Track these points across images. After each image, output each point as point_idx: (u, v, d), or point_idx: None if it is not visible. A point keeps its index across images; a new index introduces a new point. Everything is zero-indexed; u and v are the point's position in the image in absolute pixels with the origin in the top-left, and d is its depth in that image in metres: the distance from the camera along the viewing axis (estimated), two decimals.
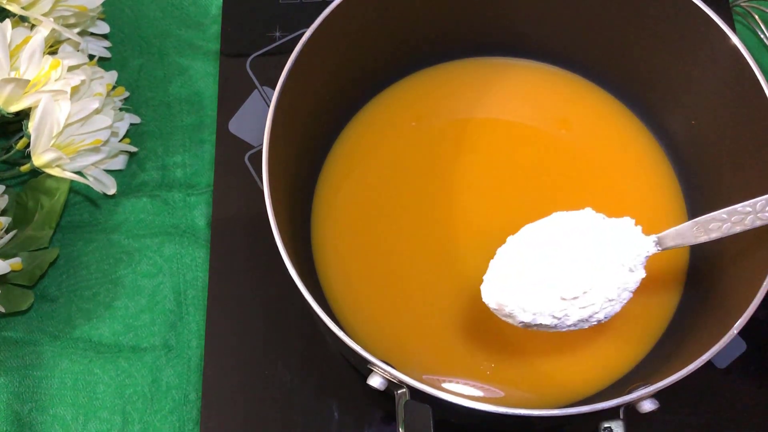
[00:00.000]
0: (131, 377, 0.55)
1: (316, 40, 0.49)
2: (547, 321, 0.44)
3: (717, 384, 0.54)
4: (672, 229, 0.45)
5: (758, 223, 0.42)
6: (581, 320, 0.44)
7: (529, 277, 0.44)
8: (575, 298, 0.43)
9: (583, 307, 0.44)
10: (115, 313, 0.57)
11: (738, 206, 0.43)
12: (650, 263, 0.54)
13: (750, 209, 0.42)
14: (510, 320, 0.45)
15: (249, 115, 0.62)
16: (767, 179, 0.47)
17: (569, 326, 0.45)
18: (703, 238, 0.44)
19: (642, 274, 0.45)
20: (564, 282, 0.43)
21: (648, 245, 0.44)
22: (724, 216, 0.43)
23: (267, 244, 0.44)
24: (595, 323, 0.45)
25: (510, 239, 0.46)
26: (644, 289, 0.54)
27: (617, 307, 0.44)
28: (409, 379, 0.41)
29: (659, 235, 0.45)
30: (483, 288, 0.45)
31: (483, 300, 0.45)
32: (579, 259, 0.43)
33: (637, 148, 0.59)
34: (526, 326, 0.45)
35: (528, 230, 0.46)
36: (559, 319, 0.44)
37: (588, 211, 0.45)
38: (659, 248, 0.45)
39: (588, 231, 0.44)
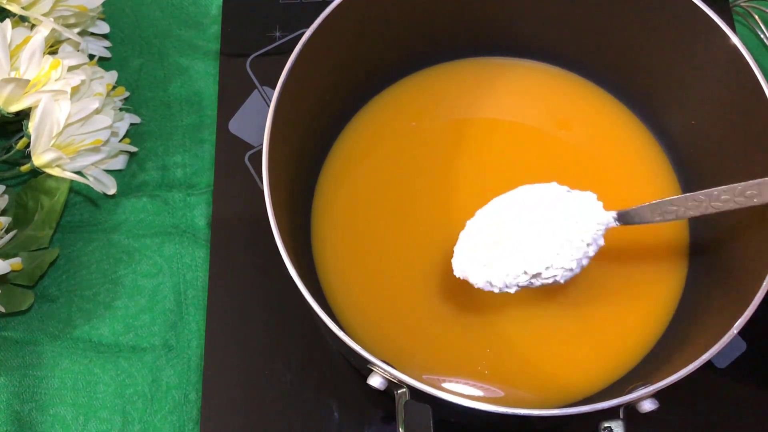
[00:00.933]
0: (131, 377, 0.55)
1: (316, 40, 0.49)
2: (512, 290, 0.47)
3: (717, 384, 0.54)
4: (630, 208, 0.47)
5: (711, 210, 0.45)
6: (543, 284, 0.46)
7: (495, 250, 0.46)
8: (538, 273, 0.45)
9: (546, 278, 0.46)
10: (115, 313, 0.57)
11: (695, 194, 0.45)
12: (650, 264, 0.54)
13: (704, 198, 0.45)
14: (479, 287, 0.47)
15: (249, 115, 0.62)
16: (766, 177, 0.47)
17: (534, 286, 0.47)
18: (658, 219, 0.46)
19: (601, 243, 0.47)
20: (528, 257, 0.45)
21: (607, 218, 0.46)
22: (682, 200, 0.45)
23: (267, 244, 0.44)
24: (554, 283, 0.47)
25: (479, 212, 0.48)
26: (644, 289, 0.54)
27: (577, 271, 0.46)
28: (409, 379, 0.41)
29: (618, 211, 0.47)
30: (453, 261, 0.47)
31: (454, 273, 0.47)
32: (542, 232, 0.46)
33: (637, 148, 0.59)
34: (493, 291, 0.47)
35: (495, 203, 0.48)
36: (522, 286, 0.46)
37: (553, 185, 0.48)
38: (618, 223, 0.47)
39: (552, 204, 0.47)
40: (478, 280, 0.47)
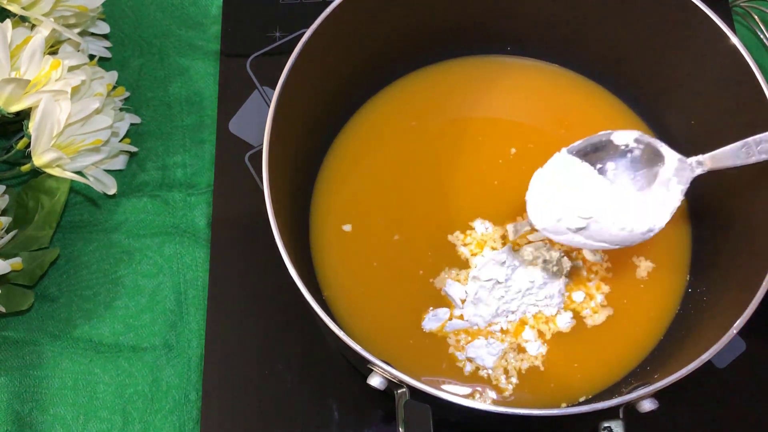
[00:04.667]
0: (131, 377, 0.55)
1: (316, 40, 0.49)
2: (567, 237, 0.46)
3: (717, 384, 0.54)
4: (717, 150, 0.46)
5: None
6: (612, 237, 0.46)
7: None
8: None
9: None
10: (116, 312, 0.57)
11: None
12: (652, 265, 0.54)
13: None
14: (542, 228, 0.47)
15: (249, 115, 0.62)
16: (766, 177, 0.47)
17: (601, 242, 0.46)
18: (753, 159, 0.45)
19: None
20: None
21: (690, 172, 0.46)
22: None
23: (267, 244, 0.44)
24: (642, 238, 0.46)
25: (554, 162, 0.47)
26: (646, 289, 0.54)
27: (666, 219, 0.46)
28: (409, 378, 0.41)
29: (701, 156, 0.46)
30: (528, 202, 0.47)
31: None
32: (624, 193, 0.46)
33: None
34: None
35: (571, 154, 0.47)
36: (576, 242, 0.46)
37: (633, 135, 0.46)
38: (703, 169, 0.46)
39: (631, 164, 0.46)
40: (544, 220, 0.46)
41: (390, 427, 0.53)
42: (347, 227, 0.55)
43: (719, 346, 0.42)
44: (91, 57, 0.60)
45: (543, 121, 0.59)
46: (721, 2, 0.65)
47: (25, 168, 0.54)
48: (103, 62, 0.64)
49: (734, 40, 0.48)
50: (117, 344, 0.56)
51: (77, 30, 0.59)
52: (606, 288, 0.53)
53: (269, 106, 0.47)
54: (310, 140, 0.56)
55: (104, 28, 0.62)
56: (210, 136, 0.63)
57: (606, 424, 0.42)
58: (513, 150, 0.58)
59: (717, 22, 0.48)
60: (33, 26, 0.53)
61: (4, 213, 0.56)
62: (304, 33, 0.49)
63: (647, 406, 0.42)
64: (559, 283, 0.52)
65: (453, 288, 0.52)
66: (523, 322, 0.52)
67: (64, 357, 0.56)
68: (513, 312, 0.52)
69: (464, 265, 0.54)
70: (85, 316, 0.57)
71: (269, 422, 0.53)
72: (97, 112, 0.54)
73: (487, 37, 0.60)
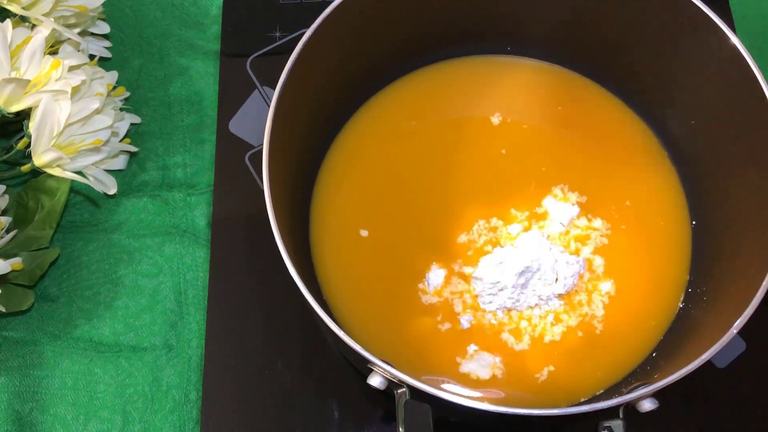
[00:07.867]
0: (132, 377, 0.55)
1: (316, 40, 0.49)
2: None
3: (717, 384, 0.54)
4: None
5: None
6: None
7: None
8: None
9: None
10: (116, 312, 0.57)
11: None
12: (652, 266, 0.54)
13: None
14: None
15: (249, 115, 0.62)
16: (766, 177, 0.47)
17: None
18: None
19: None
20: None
21: None
22: None
23: (267, 244, 0.44)
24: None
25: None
26: (646, 289, 0.54)
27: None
28: (409, 378, 0.41)
29: None
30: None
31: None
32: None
33: (638, 147, 0.59)
34: None
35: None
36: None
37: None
38: None
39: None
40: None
41: (390, 427, 0.53)
42: (348, 227, 0.55)
43: (719, 346, 0.42)
44: (91, 57, 0.60)
45: (544, 121, 0.59)
46: (721, 2, 0.65)
47: (25, 168, 0.54)
48: (103, 62, 0.64)
49: (734, 40, 0.48)
50: (117, 344, 0.56)
51: (77, 30, 0.59)
52: (607, 289, 0.53)
53: (269, 106, 0.47)
54: (310, 140, 0.56)
55: (104, 28, 0.62)
56: (210, 136, 0.63)
57: (606, 424, 0.42)
58: (511, 150, 0.58)
59: (717, 22, 0.48)
60: (33, 26, 0.53)
61: (4, 213, 0.56)
62: (304, 33, 0.49)
63: (647, 406, 0.42)
64: (561, 284, 0.52)
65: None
66: (523, 322, 0.52)
67: (64, 357, 0.56)
68: (514, 311, 0.52)
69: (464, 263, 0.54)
70: (85, 316, 0.57)
71: (269, 422, 0.53)
72: (97, 112, 0.54)
73: (487, 37, 0.60)
